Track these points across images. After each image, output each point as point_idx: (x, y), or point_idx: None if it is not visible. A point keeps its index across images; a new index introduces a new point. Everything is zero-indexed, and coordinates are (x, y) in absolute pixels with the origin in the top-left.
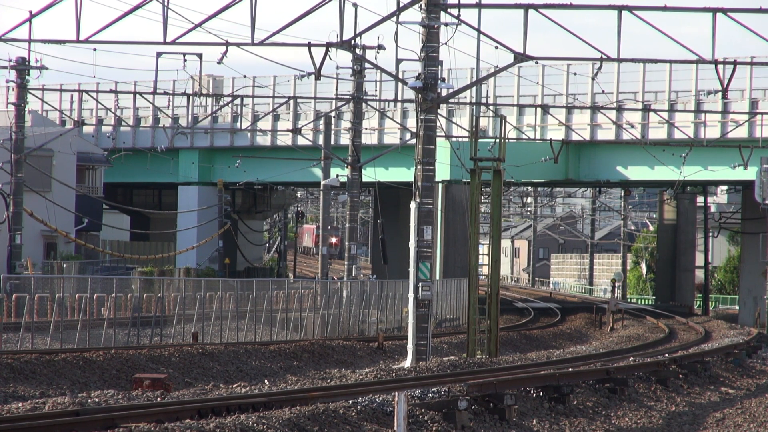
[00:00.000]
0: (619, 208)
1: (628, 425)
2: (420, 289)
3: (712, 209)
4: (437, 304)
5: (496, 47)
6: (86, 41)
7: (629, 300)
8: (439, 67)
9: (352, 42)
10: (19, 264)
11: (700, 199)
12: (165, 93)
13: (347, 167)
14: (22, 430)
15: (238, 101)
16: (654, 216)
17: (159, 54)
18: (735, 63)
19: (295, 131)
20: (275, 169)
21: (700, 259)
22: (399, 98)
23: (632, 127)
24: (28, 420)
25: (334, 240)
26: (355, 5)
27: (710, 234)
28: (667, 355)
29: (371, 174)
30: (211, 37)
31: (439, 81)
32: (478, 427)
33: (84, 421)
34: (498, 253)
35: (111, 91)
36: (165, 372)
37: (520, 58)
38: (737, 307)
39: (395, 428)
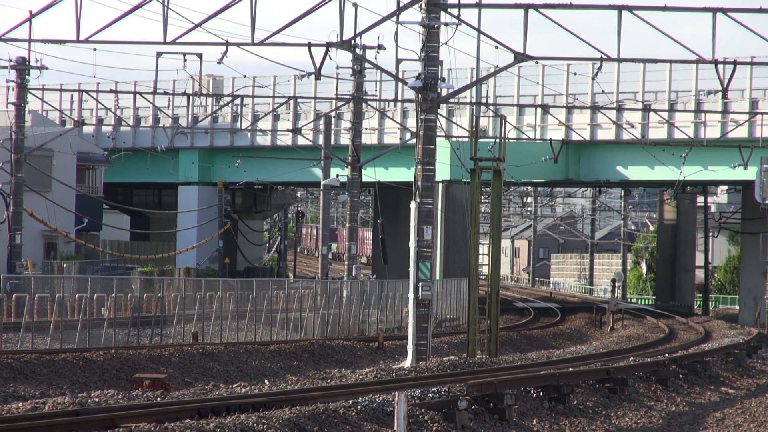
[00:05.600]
0: (619, 208)
1: (628, 425)
2: (420, 289)
3: (712, 209)
4: (437, 304)
5: (496, 47)
6: (86, 41)
7: (629, 300)
8: (439, 67)
9: (352, 42)
10: (19, 264)
11: (700, 199)
12: (165, 93)
13: (347, 167)
14: (22, 430)
15: (238, 101)
16: (654, 216)
17: (159, 54)
18: (735, 63)
19: (295, 131)
20: (275, 169)
21: (700, 259)
22: (399, 98)
23: (632, 127)
24: (28, 420)
25: None
26: (355, 5)
27: (710, 234)
28: (667, 355)
29: (371, 174)
30: (211, 37)
31: (439, 81)
32: (478, 427)
33: (84, 421)
34: (498, 253)
35: (111, 91)
36: (165, 372)
37: (520, 58)
38: (737, 307)
39: (395, 428)
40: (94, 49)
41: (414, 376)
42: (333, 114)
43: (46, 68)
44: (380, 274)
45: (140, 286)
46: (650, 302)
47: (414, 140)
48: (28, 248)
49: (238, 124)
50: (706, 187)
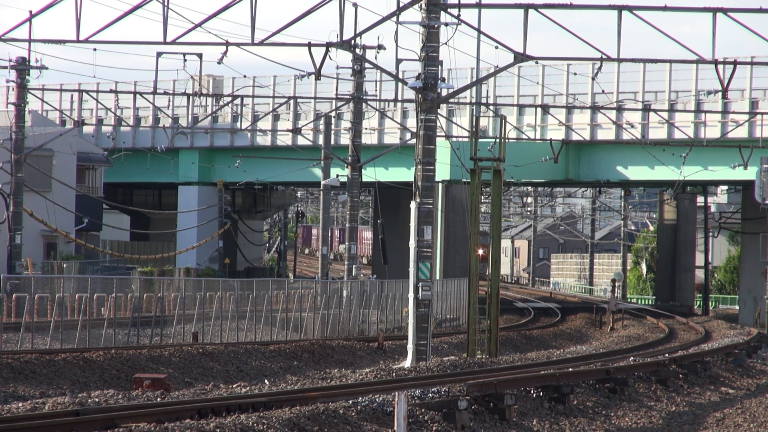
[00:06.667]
0: (619, 208)
1: (628, 425)
2: (420, 289)
3: (712, 209)
4: (437, 304)
5: (496, 47)
6: (86, 41)
7: (629, 300)
8: (439, 67)
9: (352, 42)
10: (19, 264)
11: (700, 199)
12: (165, 93)
13: (347, 167)
14: (22, 430)
15: (238, 101)
16: (654, 216)
17: (159, 54)
18: (735, 63)
19: (295, 131)
20: (275, 169)
21: (700, 259)
22: (399, 98)
23: (632, 127)
24: (28, 420)
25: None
26: (355, 5)
27: (710, 234)
28: (667, 355)
29: (371, 174)
30: (211, 37)
31: (439, 81)
32: (478, 427)
33: (84, 421)
34: (498, 253)
35: (111, 91)
36: (165, 372)
37: (520, 58)
38: (737, 307)
39: (395, 428)
40: (94, 49)
41: (414, 376)
42: (333, 114)
43: (46, 68)
44: (380, 274)
45: (140, 286)
46: (650, 302)
47: (414, 140)
48: (28, 248)
49: (238, 124)
50: (706, 187)
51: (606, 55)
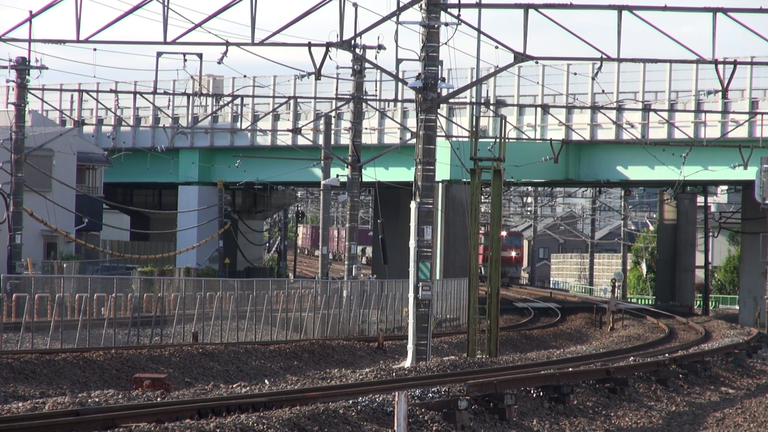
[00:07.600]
0: (619, 208)
1: (628, 425)
2: (420, 289)
3: (712, 209)
4: (437, 304)
5: (496, 47)
6: (86, 41)
7: (629, 300)
8: (439, 67)
9: (352, 42)
10: (19, 264)
11: (700, 199)
12: (165, 93)
13: (347, 167)
14: (22, 430)
15: (238, 101)
16: (654, 216)
17: (159, 54)
18: (735, 63)
19: (295, 131)
20: (275, 169)
21: (700, 259)
22: (399, 98)
23: (632, 127)
24: (28, 420)
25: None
26: (355, 5)
27: (710, 234)
28: (667, 355)
29: (371, 174)
30: (211, 37)
31: (439, 81)
32: (478, 427)
33: (84, 421)
34: (498, 253)
35: (111, 91)
36: (165, 372)
37: (520, 58)
38: (737, 307)
39: (395, 428)
40: (94, 49)
41: (414, 376)
42: (333, 114)
43: (46, 68)
44: (380, 274)
45: (140, 286)
46: (650, 302)
47: (414, 140)
48: (28, 248)
49: (238, 124)
50: (706, 187)
51: (606, 55)
